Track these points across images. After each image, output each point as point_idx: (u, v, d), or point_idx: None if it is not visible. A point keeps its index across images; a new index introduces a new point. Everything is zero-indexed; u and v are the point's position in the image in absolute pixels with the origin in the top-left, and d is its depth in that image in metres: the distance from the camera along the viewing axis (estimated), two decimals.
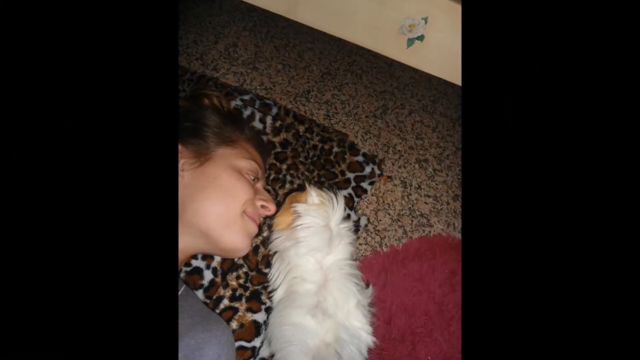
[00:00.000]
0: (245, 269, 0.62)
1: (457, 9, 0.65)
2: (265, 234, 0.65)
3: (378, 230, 0.73)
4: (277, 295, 0.57)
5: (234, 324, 0.58)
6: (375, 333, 0.55)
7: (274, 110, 0.80)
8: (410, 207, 0.78)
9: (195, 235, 0.52)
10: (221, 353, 0.45)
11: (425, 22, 0.67)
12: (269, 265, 0.62)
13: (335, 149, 0.78)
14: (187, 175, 0.53)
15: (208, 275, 0.60)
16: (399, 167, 0.83)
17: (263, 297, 0.61)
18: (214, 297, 0.59)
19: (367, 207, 0.75)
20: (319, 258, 0.56)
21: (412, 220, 0.76)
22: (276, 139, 0.76)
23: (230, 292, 0.60)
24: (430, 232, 0.76)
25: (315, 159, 0.76)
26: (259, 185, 0.60)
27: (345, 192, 0.73)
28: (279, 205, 0.63)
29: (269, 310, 0.59)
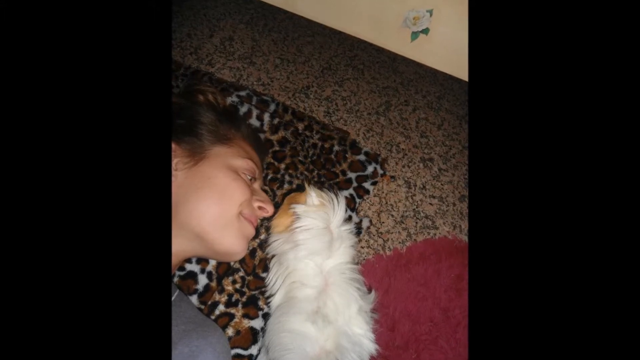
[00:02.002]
0: (241, 273, 0.62)
1: (464, 1, 0.63)
2: (262, 236, 0.64)
3: (381, 233, 0.72)
4: (275, 301, 0.56)
5: (230, 331, 0.57)
6: (377, 340, 0.54)
7: (272, 107, 0.79)
8: (414, 209, 0.76)
9: (189, 238, 0.51)
10: None
11: (430, 15, 0.66)
12: (266, 269, 0.61)
13: (336, 148, 0.77)
14: (180, 175, 0.52)
15: (203, 280, 0.60)
16: (403, 167, 0.81)
17: (260, 303, 0.60)
18: (209, 302, 0.58)
19: (369, 208, 0.74)
20: (318, 262, 0.55)
21: (416, 222, 0.75)
22: (274, 137, 0.75)
23: (226, 297, 0.60)
24: (435, 234, 0.75)
25: (315, 158, 0.75)
26: (256, 185, 0.59)
27: (346, 193, 0.73)
28: (277, 206, 0.62)
29: (266, 316, 0.59)
